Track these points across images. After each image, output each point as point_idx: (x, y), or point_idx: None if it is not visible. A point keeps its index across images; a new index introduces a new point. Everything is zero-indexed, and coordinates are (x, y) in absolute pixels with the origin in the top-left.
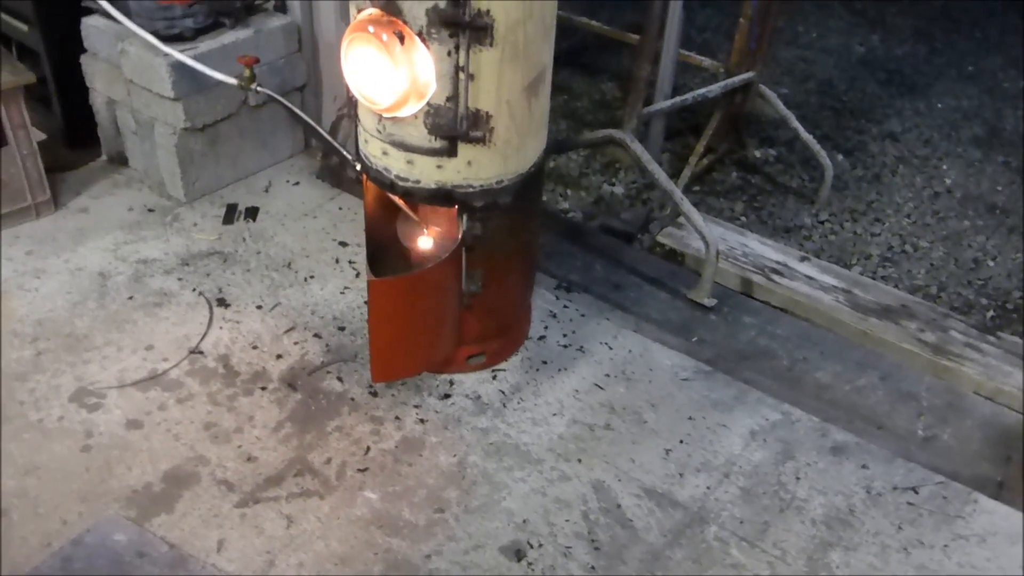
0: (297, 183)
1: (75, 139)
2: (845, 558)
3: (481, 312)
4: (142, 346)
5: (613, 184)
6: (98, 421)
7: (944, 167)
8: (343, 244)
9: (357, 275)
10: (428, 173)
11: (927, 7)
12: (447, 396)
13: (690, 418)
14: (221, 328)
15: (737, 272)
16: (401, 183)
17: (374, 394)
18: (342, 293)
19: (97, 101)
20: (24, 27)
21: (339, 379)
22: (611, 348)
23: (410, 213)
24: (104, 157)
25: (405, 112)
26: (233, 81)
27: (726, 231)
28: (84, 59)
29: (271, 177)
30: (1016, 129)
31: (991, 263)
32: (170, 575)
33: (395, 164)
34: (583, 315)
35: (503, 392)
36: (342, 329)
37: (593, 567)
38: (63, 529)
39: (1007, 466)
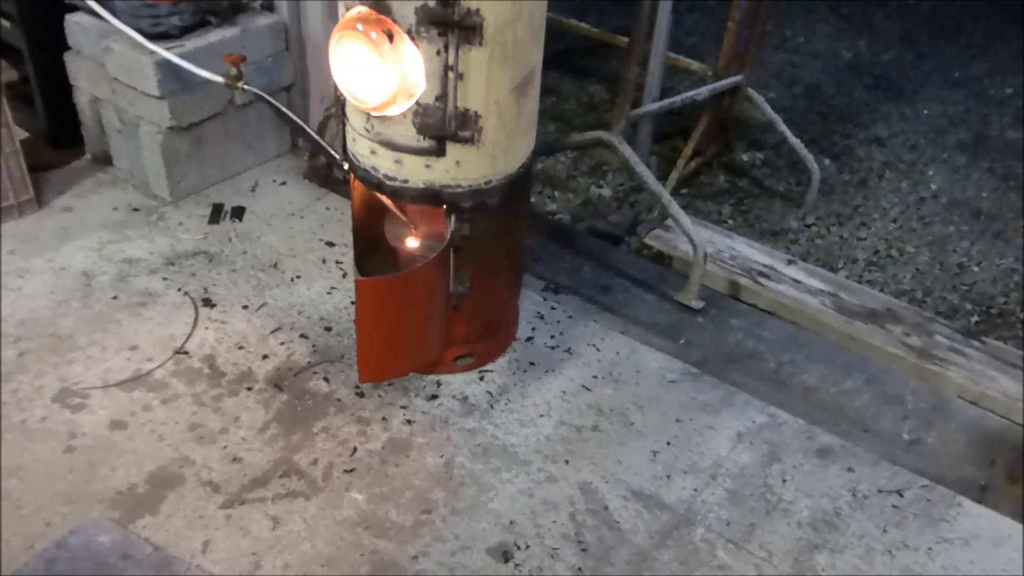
0: (284, 183)
1: (59, 138)
2: (831, 560)
3: (468, 313)
4: (126, 346)
5: (601, 186)
6: (82, 422)
7: (930, 172)
8: (330, 244)
9: (344, 275)
10: (416, 173)
11: (913, 12)
12: (434, 397)
13: (677, 420)
14: (207, 328)
15: (724, 275)
16: (389, 183)
17: (361, 395)
18: (329, 293)
19: (81, 99)
20: (7, 24)
21: (326, 380)
22: (599, 350)
23: (398, 213)
24: (88, 156)
25: (393, 111)
26: (220, 80)
27: (714, 234)
28: (68, 57)
29: (257, 177)
30: (1001, 135)
31: (976, 268)
32: None
33: (383, 163)
34: (571, 317)
35: (490, 393)
36: (329, 330)
37: (580, 568)
38: (46, 531)
39: (991, 470)
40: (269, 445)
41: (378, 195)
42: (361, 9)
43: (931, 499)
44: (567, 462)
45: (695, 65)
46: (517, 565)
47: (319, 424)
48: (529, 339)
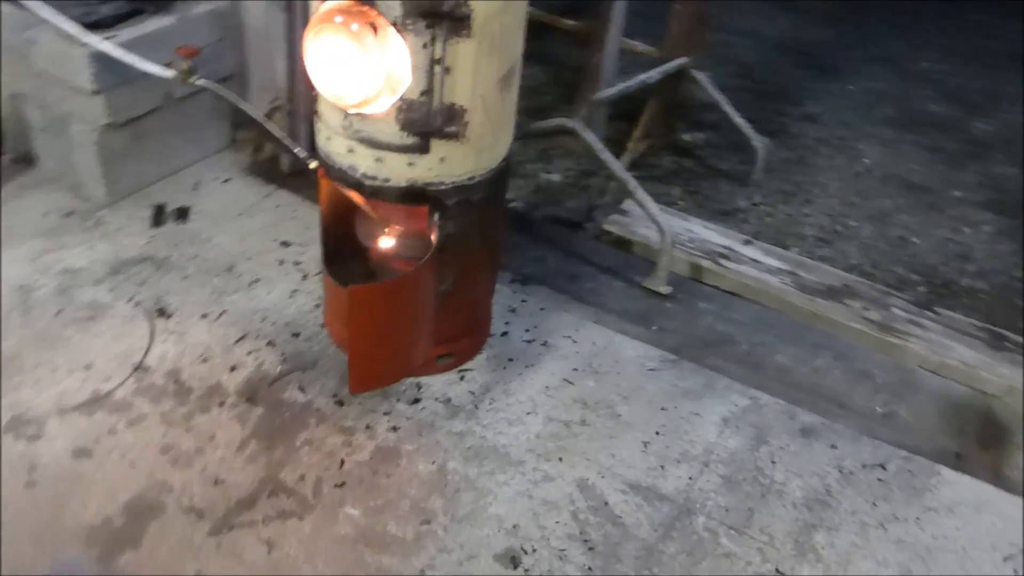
0: (228, 180)
1: None
2: (829, 539)
3: (450, 311)
4: (79, 365)
5: (550, 172)
6: (40, 452)
7: (862, 147)
8: (285, 244)
9: (304, 277)
10: (399, 171)
11: None
12: (417, 401)
13: (663, 409)
14: (165, 341)
15: (686, 258)
16: (369, 182)
17: (340, 403)
18: (291, 297)
19: None
20: None
21: (301, 389)
22: (575, 341)
23: (370, 212)
24: (8, 157)
25: (376, 108)
26: (169, 74)
27: (671, 217)
28: None
29: (199, 174)
30: (923, 109)
31: (916, 240)
32: None
33: (362, 162)
34: (543, 309)
35: (473, 393)
36: (297, 335)
37: (590, 568)
38: None
39: (962, 437)
40: (251, 463)
41: (348, 194)
42: (341, 0)
43: (912, 470)
44: (560, 459)
45: (641, 47)
46: (527, 570)
47: (301, 437)
48: (504, 334)
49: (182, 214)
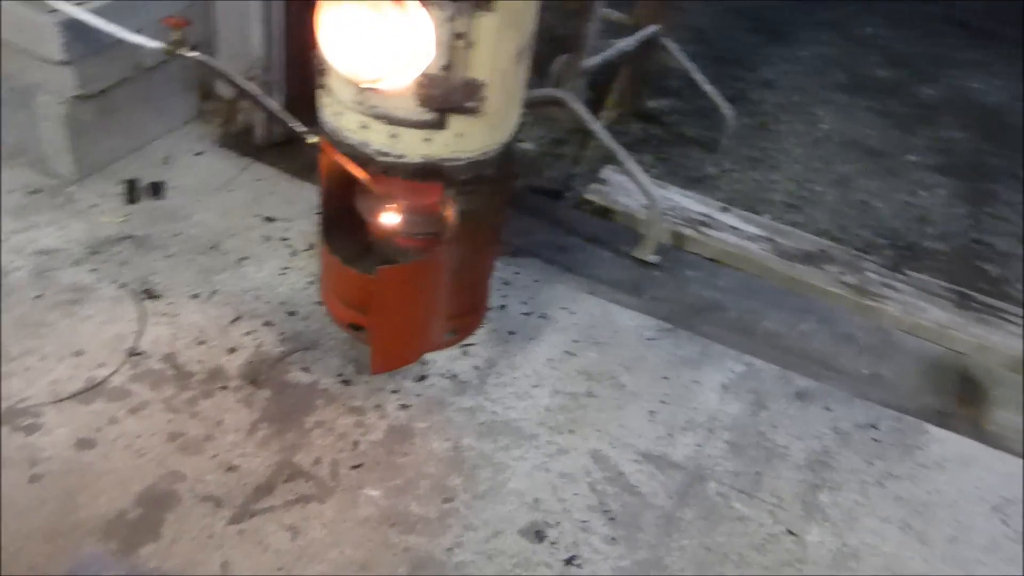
0: (200, 153)
1: None
2: (833, 498)
3: (459, 287)
4: (69, 352)
5: (522, 140)
6: (41, 445)
7: (819, 113)
8: (269, 220)
9: (293, 253)
10: (414, 147)
11: None
12: (423, 378)
13: (665, 377)
14: (157, 324)
15: (667, 226)
16: (382, 158)
17: (346, 382)
18: (282, 274)
19: None
20: None
21: (305, 370)
22: (572, 313)
23: (374, 188)
24: None
25: (396, 83)
26: (157, 44)
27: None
28: None
29: (169, 147)
30: (873, 74)
31: (878, 204)
32: None
33: (376, 138)
34: (536, 281)
35: (478, 368)
36: (293, 314)
37: (614, 538)
38: None
39: (943, 396)
40: (263, 448)
41: (352, 169)
42: None
43: (902, 428)
44: (572, 432)
45: (615, 15)
46: (553, 543)
47: (311, 419)
48: (502, 307)
49: (156, 189)
